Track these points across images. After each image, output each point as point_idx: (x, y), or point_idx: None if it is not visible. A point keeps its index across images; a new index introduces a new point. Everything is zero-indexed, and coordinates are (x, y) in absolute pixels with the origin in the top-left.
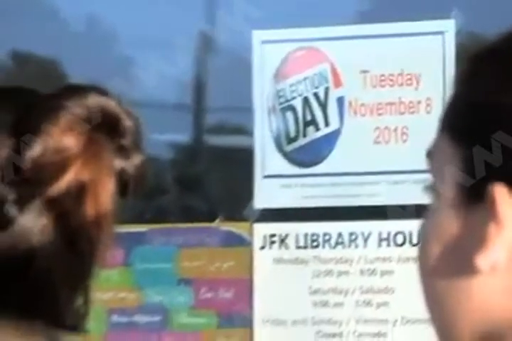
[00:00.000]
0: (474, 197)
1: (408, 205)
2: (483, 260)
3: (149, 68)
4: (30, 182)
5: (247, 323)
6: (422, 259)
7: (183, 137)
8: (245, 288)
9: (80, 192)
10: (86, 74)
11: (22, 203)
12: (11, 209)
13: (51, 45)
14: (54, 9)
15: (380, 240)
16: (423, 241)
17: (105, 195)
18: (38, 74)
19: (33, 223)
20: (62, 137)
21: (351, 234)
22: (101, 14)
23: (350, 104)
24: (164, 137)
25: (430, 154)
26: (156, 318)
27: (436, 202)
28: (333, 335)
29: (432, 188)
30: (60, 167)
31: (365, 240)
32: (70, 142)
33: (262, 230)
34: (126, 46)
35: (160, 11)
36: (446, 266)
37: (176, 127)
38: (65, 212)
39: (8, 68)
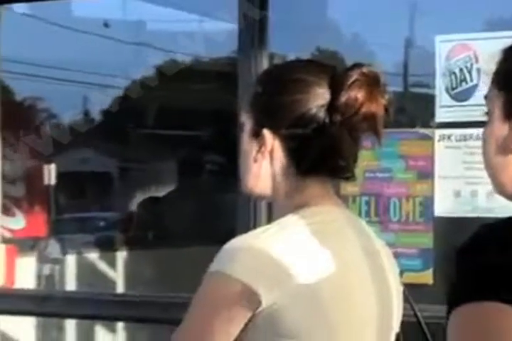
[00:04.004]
0: (510, 115)
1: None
2: None
3: (382, 55)
4: (340, 113)
5: (430, 177)
6: (485, 149)
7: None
8: (430, 161)
9: (368, 117)
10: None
11: (332, 122)
12: (328, 126)
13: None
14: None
15: None
16: (485, 140)
17: (379, 118)
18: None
19: (338, 132)
20: (357, 91)
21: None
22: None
23: (484, 71)
24: None
25: (486, 97)
26: (387, 175)
27: (491, 118)
28: (475, 184)
29: (487, 113)
30: (357, 107)
31: None
32: (360, 94)
33: (438, 132)
34: (373, 45)
35: (391, 31)
36: (497, 151)
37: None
38: (357, 128)
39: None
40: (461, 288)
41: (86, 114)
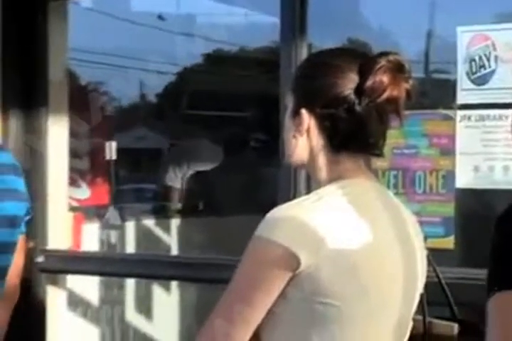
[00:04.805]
0: None
1: None
2: None
3: (407, 45)
4: (367, 95)
5: (452, 153)
6: None
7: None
8: (452, 138)
9: (391, 100)
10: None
11: (361, 104)
12: (357, 107)
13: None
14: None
15: None
16: None
17: (401, 101)
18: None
19: (366, 113)
20: (382, 75)
21: (500, 115)
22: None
23: (501, 58)
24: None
25: None
26: (413, 151)
27: None
28: (492, 159)
29: None
30: (381, 90)
31: (507, 117)
32: (385, 78)
33: (459, 113)
34: (399, 36)
35: (413, 23)
36: None
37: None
38: (383, 110)
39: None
40: (494, 274)
41: (142, 97)
